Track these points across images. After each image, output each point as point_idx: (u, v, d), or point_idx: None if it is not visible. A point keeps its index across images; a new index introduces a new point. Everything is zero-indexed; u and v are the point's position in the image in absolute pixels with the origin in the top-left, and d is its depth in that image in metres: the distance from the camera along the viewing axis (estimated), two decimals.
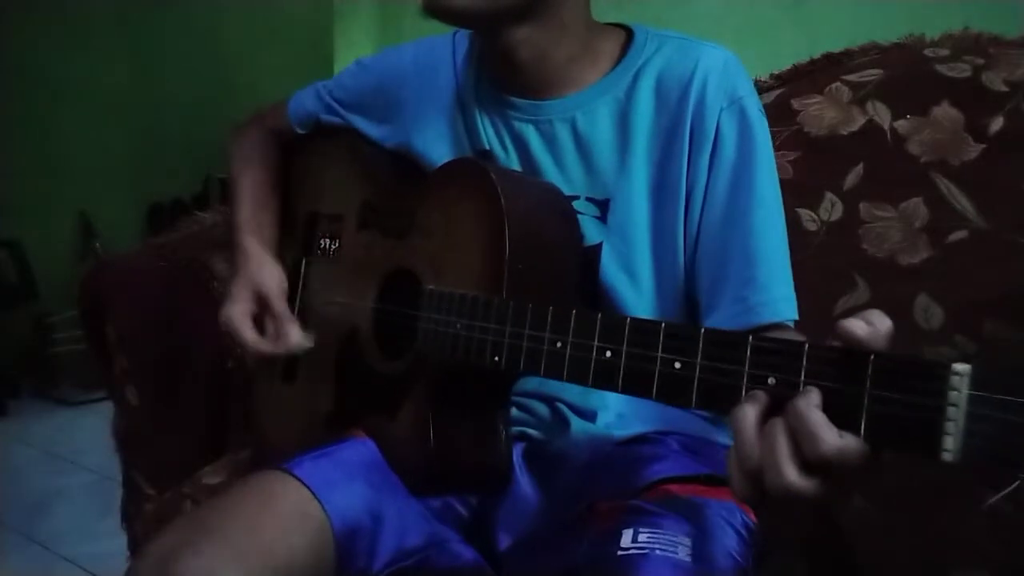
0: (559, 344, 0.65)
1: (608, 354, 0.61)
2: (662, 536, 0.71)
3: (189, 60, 3.47)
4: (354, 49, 3.05)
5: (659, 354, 0.57)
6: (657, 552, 0.69)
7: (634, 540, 0.71)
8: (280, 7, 3.41)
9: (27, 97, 3.13)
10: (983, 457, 0.43)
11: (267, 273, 1.01)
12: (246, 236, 1.04)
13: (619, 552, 0.70)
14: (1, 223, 3.02)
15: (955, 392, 0.44)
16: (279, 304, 1.00)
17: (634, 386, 0.60)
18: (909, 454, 0.46)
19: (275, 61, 3.41)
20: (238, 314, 0.98)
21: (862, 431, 0.47)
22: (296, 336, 0.97)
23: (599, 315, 0.63)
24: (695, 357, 0.55)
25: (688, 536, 0.71)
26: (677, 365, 0.56)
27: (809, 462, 0.49)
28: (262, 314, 1.00)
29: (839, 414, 0.48)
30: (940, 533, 0.91)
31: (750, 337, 0.53)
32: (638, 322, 0.60)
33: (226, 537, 0.73)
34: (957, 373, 0.44)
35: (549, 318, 0.67)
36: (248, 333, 0.98)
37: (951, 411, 0.44)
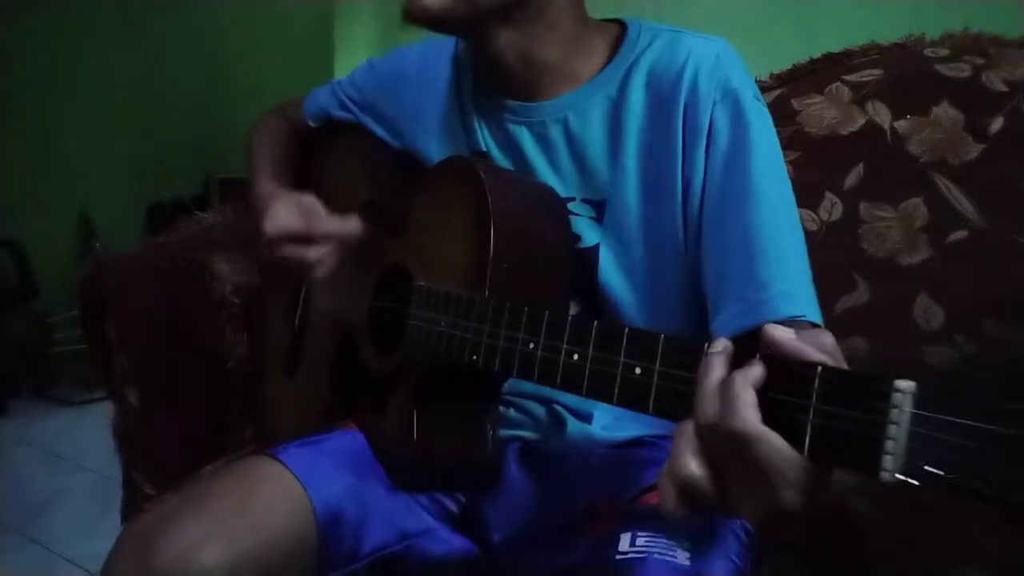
0: (531, 345, 0.65)
1: (575, 357, 0.61)
2: (660, 540, 0.70)
3: (189, 60, 3.47)
4: (354, 49, 3.05)
5: (621, 359, 0.57)
6: (655, 556, 0.69)
7: (632, 544, 0.70)
8: (280, 7, 3.42)
9: (27, 97, 3.13)
10: (924, 479, 0.41)
11: (305, 195, 0.93)
12: (270, 183, 1.01)
13: (617, 556, 0.70)
14: (1, 223, 3.02)
15: (896, 410, 0.42)
16: (322, 211, 0.91)
17: (597, 390, 0.59)
18: (851, 472, 0.45)
19: (275, 61, 3.42)
20: (286, 216, 0.90)
21: (806, 445, 0.46)
22: (354, 223, 0.90)
23: (569, 317, 0.63)
24: (653, 363, 0.55)
25: (686, 540, 0.71)
26: (637, 371, 0.56)
27: (721, 433, 0.49)
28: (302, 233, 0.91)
29: (786, 426, 0.47)
30: (940, 533, 0.91)
31: (706, 345, 0.52)
32: (604, 326, 0.60)
33: (210, 513, 0.74)
34: (899, 391, 0.42)
35: (524, 319, 0.67)
36: (307, 221, 0.89)
37: (891, 429, 0.42)
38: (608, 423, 0.87)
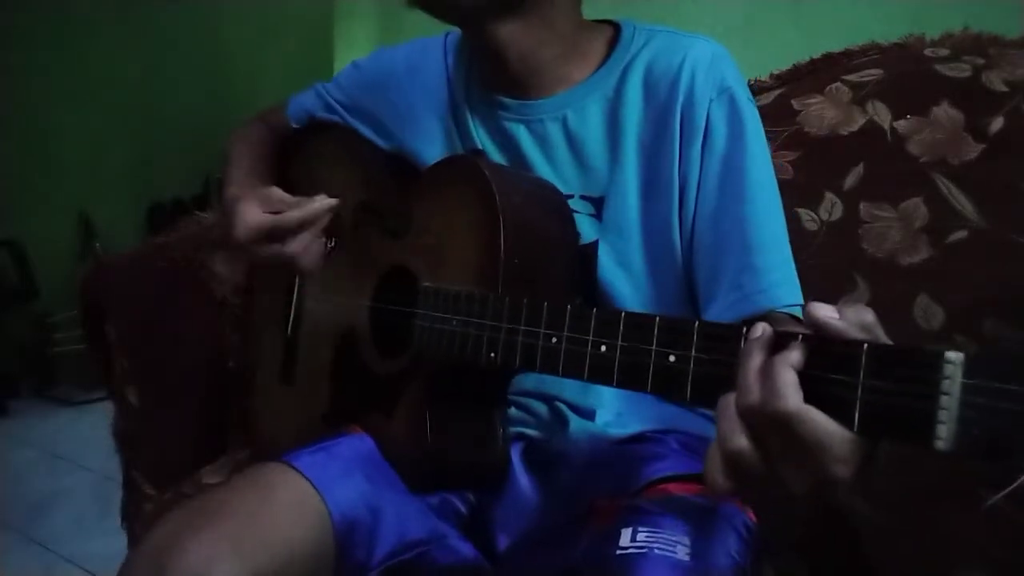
0: (554, 340, 0.65)
1: (603, 348, 0.61)
2: (661, 535, 0.71)
3: (189, 60, 3.48)
4: (354, 49, 3.05)
5: (653, 348, 0.57)
6: (655, 551, 0.69)
7: (633, 539, 0.70)
8: (280, 7, 3.42)
9: (27, 97, 3.13)
10: (977, 446, 0.42)
11: (269, 188, 0.91)
12: (237, 186, 0.96)
13: (618, 551, 0.70)
14: (1, 223, 3.02)
15: (948, 380, 0.43)
16: (289, 199, 0.89)
17: (629, 380, 0.60)
18: (904, 444, 0.46)
19: (275, 60, 3.42)
20: (253, 216, 0.87)
21: (856, 421, 0.47)
22: (322, 200, 0.87)
23: (594, 309, 0.63)
24: (689, 350, 0.55)
25: (687, 535, 0.71)
26: (671, 358, 0.56)
27: (765, 415, 0.49)
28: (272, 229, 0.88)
29: (834, 403, 0.48)
30: (940, 533, 0.91)
31: (744, 329, 0.53)
32: (633, 316, 0.60)
33: (224, 527, 0.73)
34: (950, 362, 0.43)
35: (544, 314, 0.67)
36: (266, 218, 0.87)
37: (944, 400, 0.43)
38: (611, 419, 0.87)
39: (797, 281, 0.79)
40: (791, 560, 0.91)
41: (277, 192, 0.89)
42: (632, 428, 0.87)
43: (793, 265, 0.80)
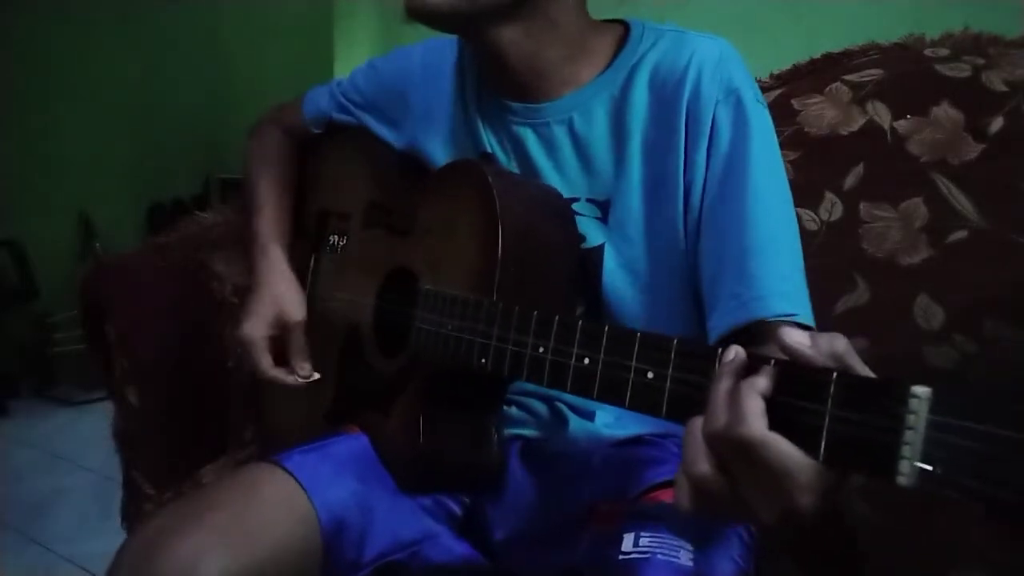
0: (541, 349, 0.66)
1: (586, 361, 0.61)
2: (664, 540, 0.70)
3: (189, 60, 3.48)
4: (354, 48, 3.05)
5: (633, 363, 0.57)
6: (659, 556, 0.69)
7: (635, 544, 0.70)
8: (280, 7, 3.41)
9: (27, 97, 3.13)
10: (940, 483, 0.42)
11: (292, 299, 1.00)
12: (272, 244, 1.03)
13: (620, 556, 0.70)
14: (1, 223, 3.02)
15: (913, 415, 0.42)
16: (299, 339, 0.99)
17: (608, 394, 0.60)
18: (867, 476, 0.45)
19: (275, 61, 3.42)
20: (259, 338, 0.98)
21: (822, 451, 0.47)
22: (306, 372, 0.98)
23: (580, 322, 0.63)
24: (666, 368, 0.55)
25: (689, 540, 0.71)
26: (649, 375, 0.56)
27: (729, 440, 0.49)
28: (279, 339, 0.99)
29: (801, 431, 0.47)
30: (940, 533, 0.91)
31: (719, 350, 0.53)
32: (615, 330, 0.60)
33: (212, 523, 0.73)
34: (916, 396, 0.43)
35: (532, 323, 0.67)
36: (266, 360, 0.98)
37: (908, 434, 0.42)
38: (610, 421, 0.87)
39: (798, 288, 0.75)
40: (791, 563, 0.91)
41: (291, 320, 0.99)
42: (631, 430, 0.86)
43: (797, 272, 0.76)
